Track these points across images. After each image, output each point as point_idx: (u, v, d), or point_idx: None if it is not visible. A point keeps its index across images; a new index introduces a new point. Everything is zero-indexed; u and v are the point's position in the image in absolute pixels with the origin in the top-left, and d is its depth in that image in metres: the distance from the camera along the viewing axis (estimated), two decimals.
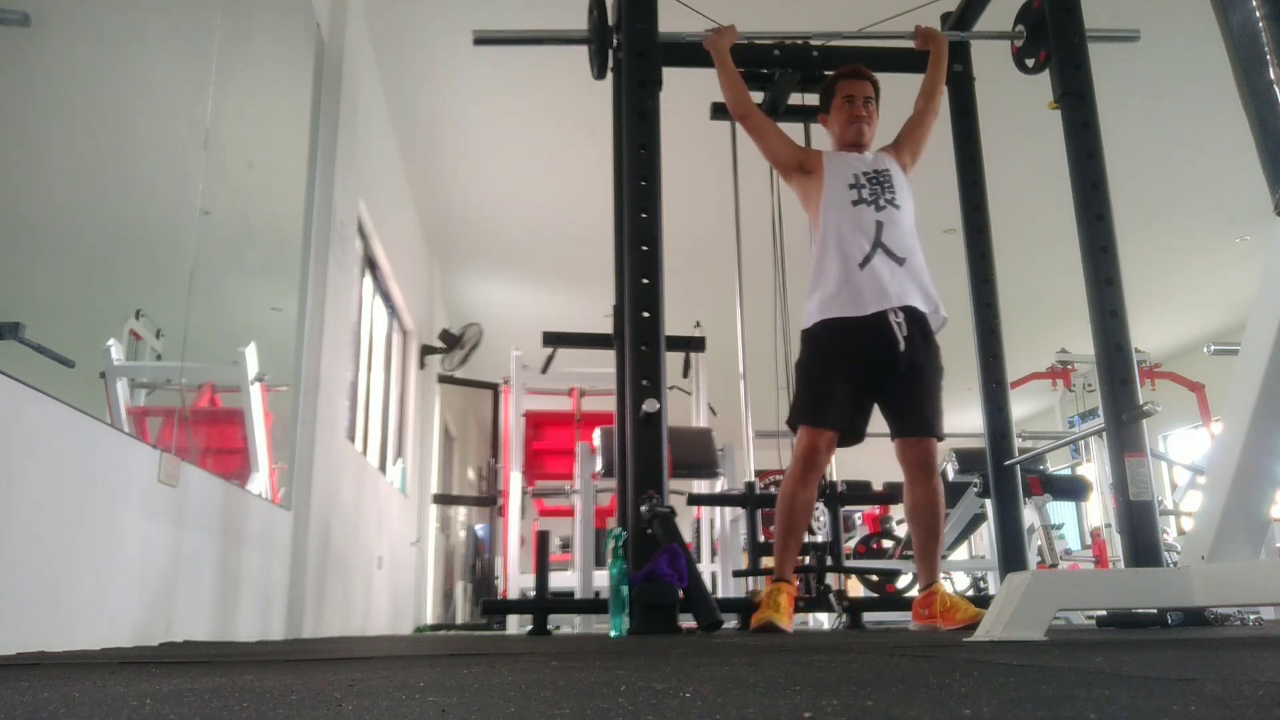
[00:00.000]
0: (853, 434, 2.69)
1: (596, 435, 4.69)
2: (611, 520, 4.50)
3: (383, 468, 6.16)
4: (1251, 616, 2.95)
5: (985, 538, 5.58)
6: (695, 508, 5.82)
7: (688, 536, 4.08)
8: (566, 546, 7.13)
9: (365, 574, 5.00)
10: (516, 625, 5.31)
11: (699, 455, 4.69)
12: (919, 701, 0.66)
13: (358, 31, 4.37)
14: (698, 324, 5.90)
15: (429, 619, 7.49)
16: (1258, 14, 1.56)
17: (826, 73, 3.12)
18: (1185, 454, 8.39)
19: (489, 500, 8.23)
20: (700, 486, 5.07)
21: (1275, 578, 1.62)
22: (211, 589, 2.69)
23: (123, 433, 2.20)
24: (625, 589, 2.56)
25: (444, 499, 8.35)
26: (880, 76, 2.91)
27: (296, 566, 3.51)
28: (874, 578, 5.54)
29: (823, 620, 4.55)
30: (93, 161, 2.18)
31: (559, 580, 4.97)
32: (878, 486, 3.99)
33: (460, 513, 9.05)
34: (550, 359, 5.56)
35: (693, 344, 5.67)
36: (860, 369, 2.62)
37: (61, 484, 1.87)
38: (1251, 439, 1.67)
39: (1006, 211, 4.25)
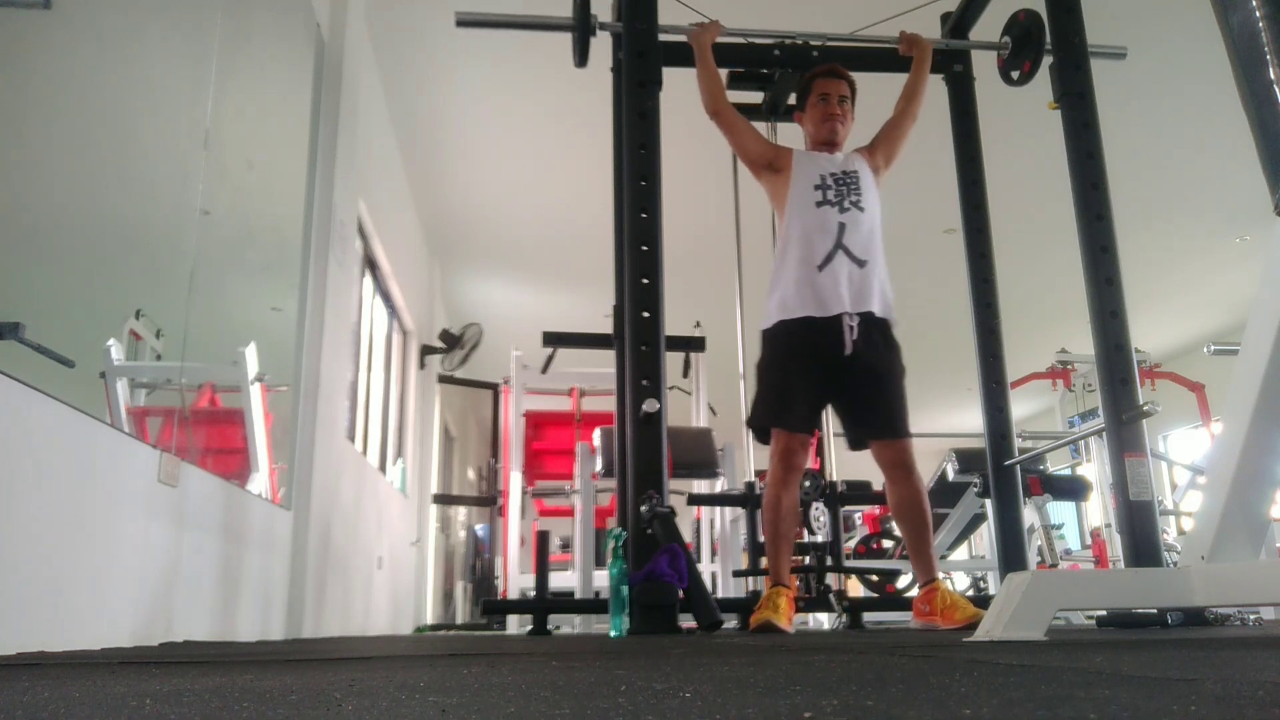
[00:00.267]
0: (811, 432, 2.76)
1: (596, 435, 4.69)
2: (611, 520, 4.51)
3: (383, 468, 6.16)
4: (1251, 616, 2.95)
5: (985, 538, 5.58)
6: (695, 508, 5.82)
7: (688, 536, 4.08)
8: (566, 546, 7.13)
9: (365, 574, 5.00)
10: (516, 625, 5.31)
11: (699, 455, 4.69)
12: (919, 701, 0.66)
13: (358, 31, 4.37)
14: (698, 324, 5.90)
15: (429, 619, 7.49)
16: (1258, 14, 1.56)
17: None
18: (1185, 454, 8.39)
19: (489, 500, 8.23)
20: (700, 486, 5.07)
21: (1275, 578, 1.62)
22: (211, 589, 2.69)
23: (123, 433, 2.21)
24: (625, 589, 2.56)
25: (444, 499, 8.35)
26: (879, 77, 2.91)
27: (296, 566, 3.51)
28: (874, 578, 5.55)
29: (823, 620, 4.55)
30: (93, 161, 2.18)
31: (559, 580, 4.97)
32: (878, 486, 3.99)
33: (460, 513, 9.05)
34: (550, 359, 5.56)
35: (693, 344, 5.67)
36: (818, 369, 2.64)
37: (61, 484, 1.87)
38: (1251, 439, 1.66)
39: (1006, 211, 4.25)
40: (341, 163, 4.01)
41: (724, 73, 3.13)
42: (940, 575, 2.70)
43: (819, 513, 3.47)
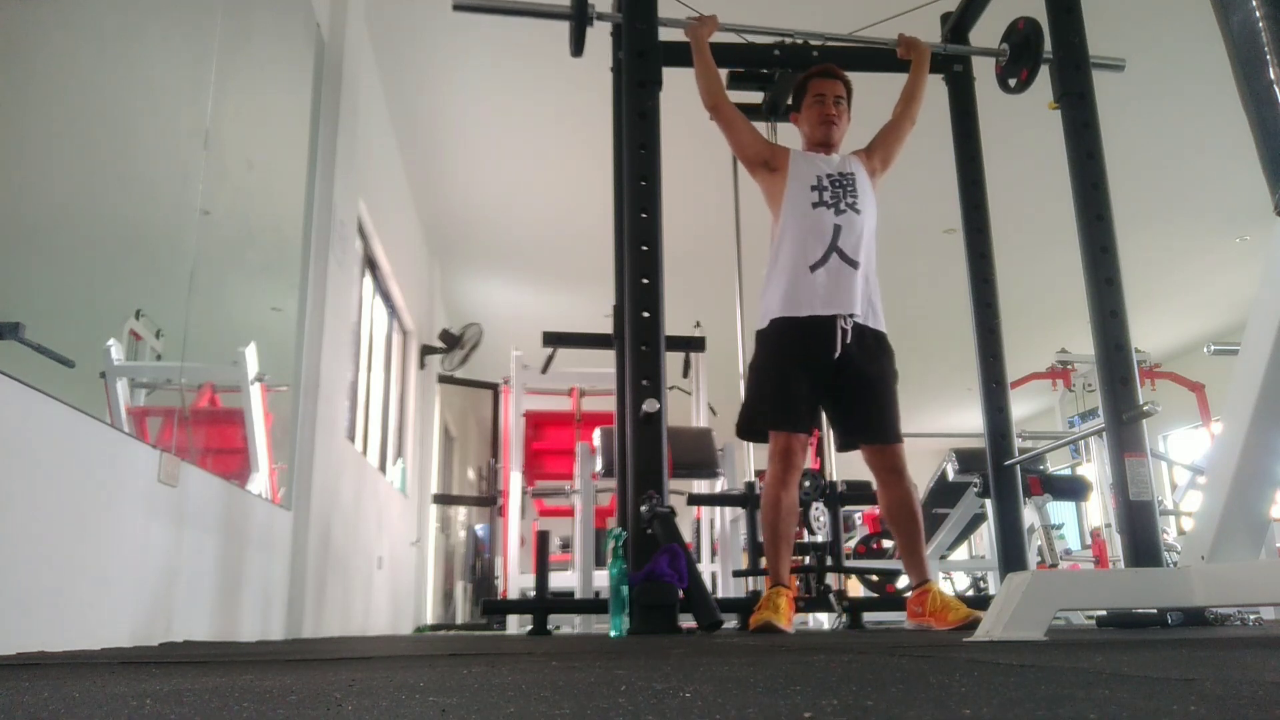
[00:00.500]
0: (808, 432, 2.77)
1: (596, 435, 4.69)
2: (611, 520, 4.50)
3: (383, 468, 6.16)
4: (1251, 616, 2.95)
5: (985, 538, 5.58)
6: (695, 508, 5.82)
7: (688, 536, 4.08)
8: (566, 546, 7.13)
9: (365, 574, 5.00)
10: (516, 625, 5.31)
11: (699, 455, 4.69)
12: (919, 701, 0.66)
13: (358, 31, 4.37)
14: (698, 324, 5.90)
15: (429, 619, 7.49)
16: (1258, 14, 1.56)
17: None
18: (1185, 454, 8.39)
19: (489, 500, 8.23)
20: (700, 486, 5.07)
21: (1275, 578, 1.62)
22: (211, 589, 2.69)
23: (123, 433, 2.21)
24: (625, 589, 2.56)
25: (444, 499, 8.35)
26: (878, 77, 2.91)
27: (296, 566, 3.51)
28: (874, 578, 5.54)
29: (823, 620, 4.55)
30: (93, 161, 2.18)
31: (559, 580, 4.97)
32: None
33: (460, 513, 9.05)
34: (550, 359, 5.56)
35: (693, 344, 5.67)
36: (811, 369, 2.64)
37: (61, 484, 1.87)
38: (1251, 439, 1.67)
39: (1006, 211, 4.25)
40: (341, 163, 4.01)
41: (724, 73, 3.12)
42: (939, 576, 2.70)
43: (819, 513, 3.48)
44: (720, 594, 4.56)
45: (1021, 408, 9.39)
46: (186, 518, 2.49)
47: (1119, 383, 2.81)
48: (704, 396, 6.13)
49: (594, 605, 3.60)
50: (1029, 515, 4.20)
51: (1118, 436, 2.77)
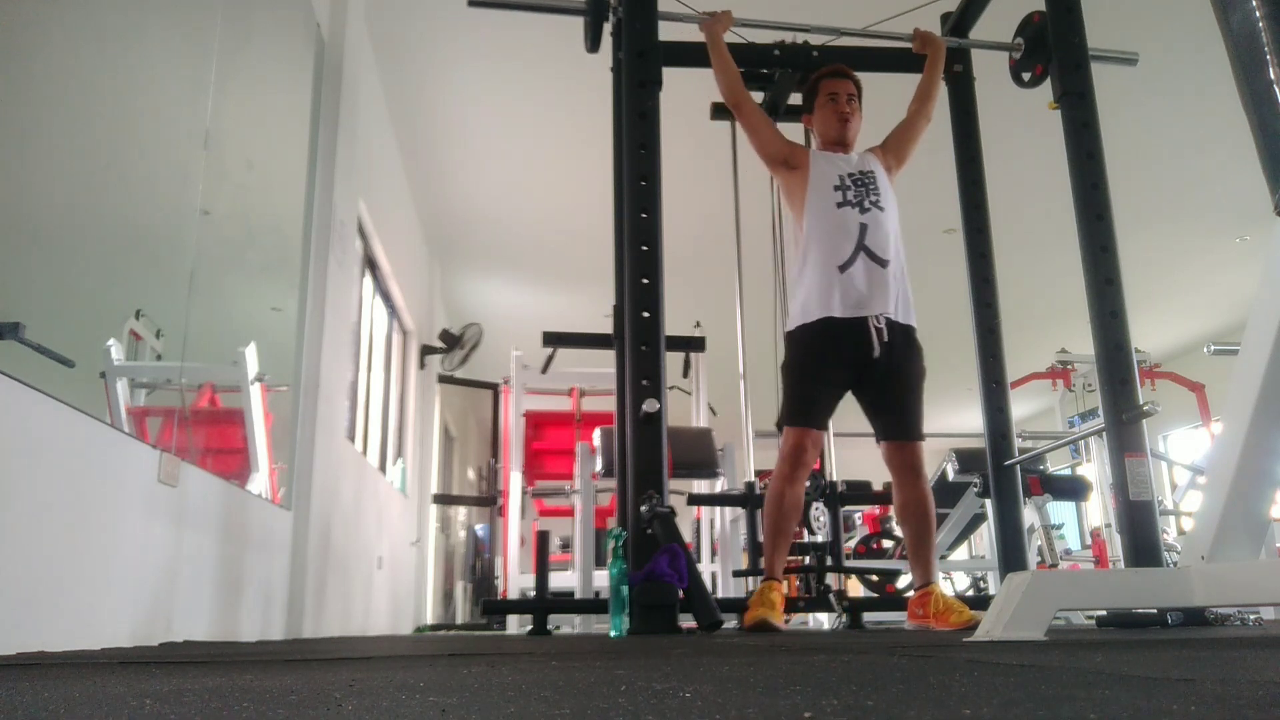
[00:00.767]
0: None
1: (596, 435, 4.69)
2: (611, 520, 4.50)
3: (383, 468, 6.16)
4: (1251, 616, 2.95)
5: (985, 538, 5.58)
6: (695, 508, 5.81)
7: (688, 536, 4.08)
8: (566, 546, 7.13)
9: (365, 574, 5.00)
10: (516, 625, 5.31)
11: (699, 455, 4.69)
12: (919, 701, 0.66)
13: (358, 31, 4.37)
14: (698, 324, 5.90)
15: (429, 619, 7.49)
16: (1258, 14, 1.56)
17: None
18: (1185, 454, 8.39)
19: (489, 500, 8.23)
20: (700, 486, 5.07)
21: (1275, 578, 1.62)
22: (211, 589, 2.69)
23: (123, 433, 2.20)
24: (625, 589, 2.56)
25: (444, 499, 8.35)
26: (879, 77, 2.91)
27: (296, 566, 3.51)
28: (874, 578, 5.54)
29: (823, 620, 4.55)
30: (93, 161, 2.18)
31: (559, 580, 4.96)
32: (878, 486, 3.99)
33: (460, 513, 9.05)
34: (550, 359, 5.56)
35: (693, 344, 5.67)
36: (841, 370, 2.65)
37: (61, 484, 1.87)
38: (1251, 439, 1.67)
39: (1006, 211, 4.25)
40: (341, 163, 4.01)
41: None
42: (940, 577, 2.70)
43: (819, 513, 3.47)
44: (720, 594, 4.56)
45: (1021, 408, 9.39)
46: (186, 518, 2.49)
47: (1119, 383, 2.81)
48: (704, 396, 6.13)
49: (594, 605, 3.60)
50: (1029, 515, 4.20)
51: (1118, 436, 2.77)
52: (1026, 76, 3.37)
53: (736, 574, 4.58)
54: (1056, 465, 6.83)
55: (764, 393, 3.88)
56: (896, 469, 2.69)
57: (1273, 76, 1.54)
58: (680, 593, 2.53)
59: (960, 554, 6.73)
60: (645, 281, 2.82)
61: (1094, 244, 2.91)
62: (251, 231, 3.28)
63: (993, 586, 5.29)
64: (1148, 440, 2.80)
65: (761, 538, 3.97)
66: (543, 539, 3.63)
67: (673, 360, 5.74)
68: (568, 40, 3.22)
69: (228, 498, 2.84)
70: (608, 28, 3.19)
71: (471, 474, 9.39)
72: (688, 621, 2.64)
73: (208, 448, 2.88)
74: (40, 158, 1.97)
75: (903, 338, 2.67)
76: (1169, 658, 1.11)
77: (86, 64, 2.15)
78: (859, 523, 6.47)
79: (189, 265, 2.59)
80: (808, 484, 3.42)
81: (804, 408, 2.68)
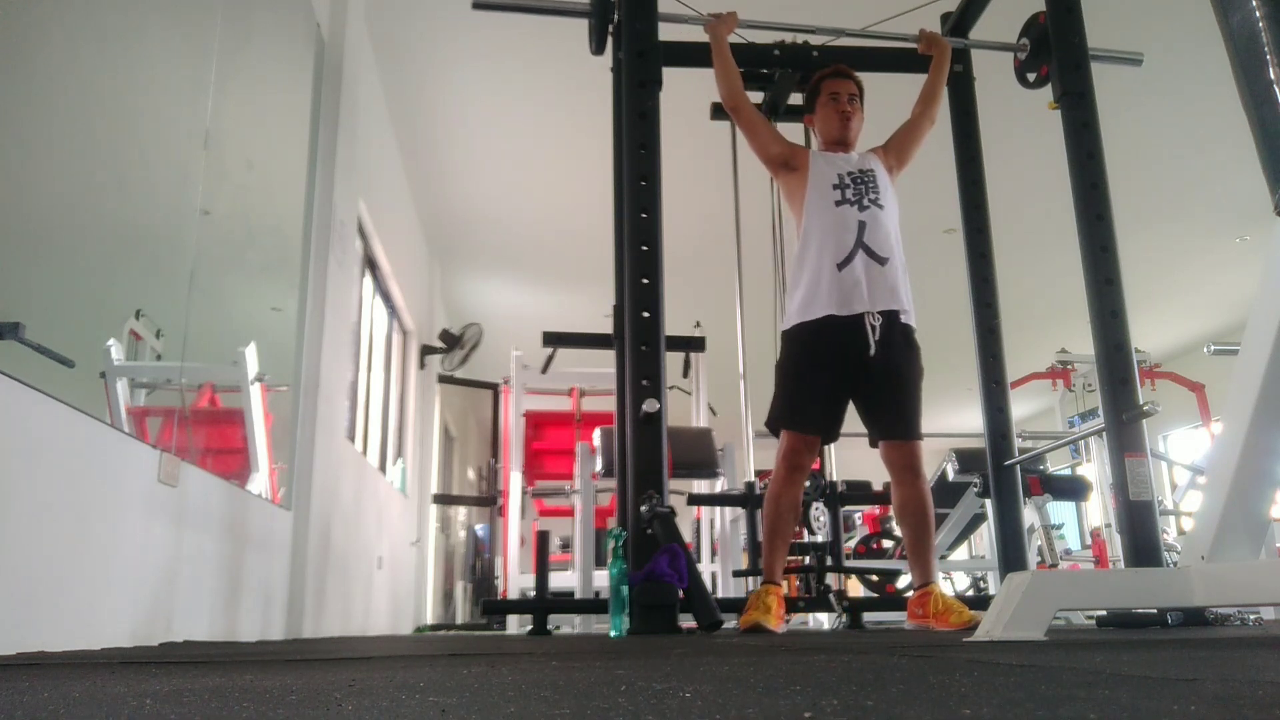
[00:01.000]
0: (828, 436, 2.73)
1: (596, 435, 4.69)
2: (611, 520, 4.50)
3: (383, 468, 6.16)
4: (1251, 616, 2.95)
5: (985, 538, 5.58)
6: (695, 508, 5.82)
7: (688, 536, 4.08)
8: (566, 546, 7.13)
9: (365, 574, 5.00)
10: (516, 625, 5.31)
11: (699, 455, 4.69)
12: (919, 701, 0.66)
13: (358, 31, 4.37)
14: (698, 324, 5.90)
15: (429, 619, 7.49)
16: (1258, 14, 1.56)
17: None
18: (1185, 454, 8.39)
19: (489, 500, 8.23)
20: (700, 486, 5.07)
21: (1275, 578, 1.62)
22: (211, 589, 2.69)
23: (123, 433, 2.20)
24: (625, 589, 2.56)
25: (444, 499, 8.35)
26: (879, 77, 2.91)
27: (296, 566, 3.51)
28: (874, 578, 5.54)
29: (823, 620, 4.55)
30: (93, 161, 2.18)
31: (559, 580, 4.97)
32: (878, 486, 3.99)
33: (460, 513, 9.05)
34: (550, 359, 5.56)
35: (693, 344, 5.67)
36: (837, 370, 2.64)
37: (61, 484, 1.87)
38: (1251, 439, 1.66)
39: (1006, 211, 4.25)
40: (341, 163, 4.01)
41: None
42: (940, 577, 2.70)
43: (819, 513, 3.47)
44: (720, 594, 4.56)
45: (1021, 408, 9.39)
46: (186, 518, 2.49)
47: (1119, 383, 2.81)
48: (704, 396, 6.13)
49: (594, 605, 3.60)
50: (1029, 515, 4.20)
51: (1118, 436, 2.77)
52: (1032, 77, 3.37)
53: (736, 574, 4.58)
54: (1056, 465, 6.83)
55: (764, 393, 3.87)
56: (895, 469, 2.67)
57: (1273, 76, 1.54)
58: (680, 593, 2.53)
59: (960, 554, 6.73)
60: (645, 281, 2.82)
61: (1094, 244, 2.91)
62: (251, 231, 3.28)
63: (993, 586, 5.29)
64: (1148, 440, 2.80)
65: (761, 538, 3.99)
66: (543, 539, 3.63)
67: (673, 360, 5.74)
68: (568, 40, 3.22)
69: (228, 498, 2.84)
70: (595, 31, 3.19)
71: (471, 474, 9.39)
72: (688, 621, 2.64)
73: (208, 448, 2.88)
74: (41, 158, 1.97)
75: (902, 336, 2.66)
76: (1169, 658, 1.11)
77: (86, 64, 2.15)
78: (859, 523, 6.47)
79: (189, 265, 2.59)
80: (807, 484, 3.43)
81: (791, 411, 2.67)
